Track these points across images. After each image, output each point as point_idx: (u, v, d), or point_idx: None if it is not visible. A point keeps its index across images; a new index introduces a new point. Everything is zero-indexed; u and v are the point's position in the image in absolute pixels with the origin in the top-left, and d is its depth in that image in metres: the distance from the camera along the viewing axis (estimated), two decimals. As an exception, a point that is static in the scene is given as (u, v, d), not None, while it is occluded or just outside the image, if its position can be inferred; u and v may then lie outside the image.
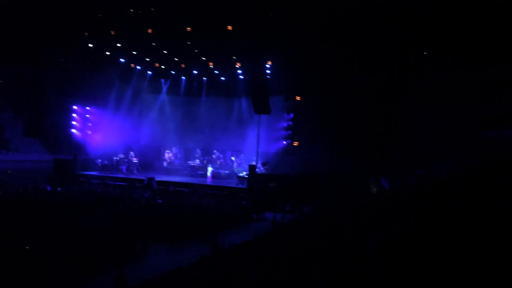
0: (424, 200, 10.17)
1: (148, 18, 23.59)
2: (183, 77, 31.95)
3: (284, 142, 28.07)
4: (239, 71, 28.80)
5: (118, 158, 29.36)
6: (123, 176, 27.32)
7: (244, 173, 26.45)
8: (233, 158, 30.54)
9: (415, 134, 23.57)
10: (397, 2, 19.81)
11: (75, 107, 30.27)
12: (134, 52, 27.71)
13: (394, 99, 25.22)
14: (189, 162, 30.67)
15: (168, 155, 31.25)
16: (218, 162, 30.07)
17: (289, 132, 27.96)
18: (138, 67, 30.30)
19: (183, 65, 29.41)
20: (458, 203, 8.50)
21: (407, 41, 22.38)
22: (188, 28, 23.65)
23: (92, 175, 26.96)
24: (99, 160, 28.91)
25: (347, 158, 24.31)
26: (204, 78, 31.44)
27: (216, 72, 29.72)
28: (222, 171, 28.84)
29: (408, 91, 24.89)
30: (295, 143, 27.03)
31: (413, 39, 22.32)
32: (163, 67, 30.14)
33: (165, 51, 26.98)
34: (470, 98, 22.71)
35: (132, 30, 24.44)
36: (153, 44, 25.96)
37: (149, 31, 24.11)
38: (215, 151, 30.69)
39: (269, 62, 25.33)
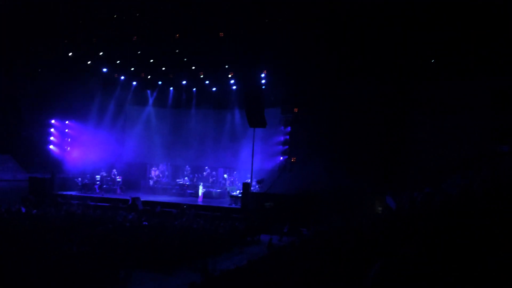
0: (434, 220, 10.14)
1: (133, 24, 23.68)
2: (171, 88, 32.03)
3: (281, 158, 28.03)
4: (232, 81, 28.90)
5: (100, 177, 29.28)
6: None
7: (238, 192, 26.39)
8: (225, 176, 30.49)
9: (423, 148, 23.56)
10: (404, 3, 19.93)
11: (52, 121, 30.27)
12: (117, 61, 27.76)
13: (400, 110, 25.27)
14: (177, 180, 30.57)
15: (154, 172, 31.13)
16: (210, 180, 30.00)
17: (286, 147, 27.95)
18: (122, 77, 30.34)
19: (171, 75, 29.49)
20: (472, 225, 8.48)
21: (414, 46, 22.47)
22: (177, 34, 23.76)
23: (71, 195, 26.81)
24: (79, 178, 28.78)
25: (349, 175, 24.25)
26: (193, 88, 31.52)
27: (206, 82, 29.82)
28: (213, 190, 28.73)
29: (415, 101, 24.94)
30: (293, 159, 27.03)
31: (421, 44, 22.41)
32: (149, 77, 30.20)
33: (151, 60, 27.04)
34: (483, 109, 22.77)
35: (115, 37, 24.52)
36: (139, 52, 26.03)
37: (134, 38, 24.20)
38: (206, 168, 30.64)
39: (264, 71, 25.43)
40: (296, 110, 27.65)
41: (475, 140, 21.77)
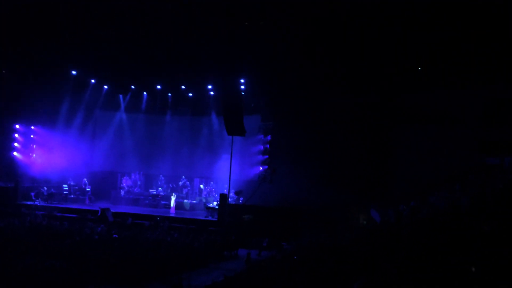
0: (419, 235, 10.30)
1: (104, 24, 23.50)
2: (145, 93, 31.87)
3: (261, 168, 28.08)
4: (210, 87, 28.89)
5: (67, 186, 29.01)
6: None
7: (215, 203, 26.35)
8: (201, 186, 30.39)
9: (409, 161, 23.87)
10: (389, 10, 20.11)
11: (16, 126, 29.83)
12: (88, 64, 27.51)
13: (386, 121, 25.54)
14: (150, 190, 30.34)
15: (126, 182, 30.84)
16: (185, 190, 29.88)
17: (266, 156, 28.01)
18: (92, 81, 30.11)
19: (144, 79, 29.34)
20: (458, 239, 8.62)
21: (400, 55, 22.70)
22: (152, 37, 23.68)
23: (36, 205, 26.43)
24: (45, 188, 28.39)
25: (332, 187, 24.42)
26: (169, 93, 31.42)
27: (183, 87, 29.74)
28: (188, 201, 28.63)
29: (401, 112, 25.24)
30: (273, 170, 27.06)
31: (407, 53, 22.64)
32: (122, 80, 29.99)
33: (124, 63, 26.86)
34: (471, 121, 23.13)
35: (85, 37, 24.30)
36: (111, 54, 25.85)
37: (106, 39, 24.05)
38: (183, 177, 30.49)
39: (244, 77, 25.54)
40: (277, 118, 27.74)
41: (463, 152, 22.11)
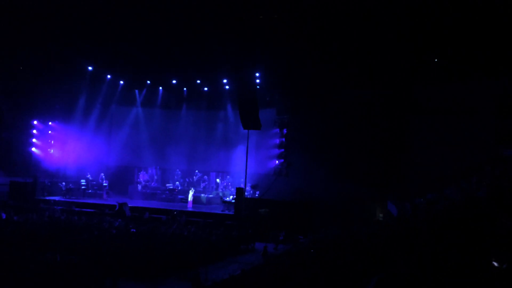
0: (437, 228, 10.20)
1: (120, 20, 23.53)
2: (161, 87, 31.95)
3: (277, 162, 28.04)
4: (225, 81, 28.88)
5: (85, 180, 29.22)
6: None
7: (231, 197, 26.38)
8: (218, 180, 30.46)
9: (425, 153, 23.63)
10: (402, 2, 19.93)
11: (34, 122, 30.11)
12: (104, 59, 27.61)
13: (401, 113, 25.31)
14: (167, 185, 30.52)
15: (143, 177, 31.03)
16: (201, 184, 29.96)
17: (282, 150, 27.96)
18: (108, 76, 30.26)
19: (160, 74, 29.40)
20: (476, 232, 8.53)
21: (415, 46, 22.50)
22: (167, 32, 23.67)
23: (54, 200, 26.64)
24: (63, 183, 28.65)
25: (348, 180, 24.28)
26: (184, 88, 31.47)
27: (198, 81, 29.76)
28: (205, 195, 28.70)
29: (417, 104, 24.98)
30: (289, 163, 27.01)
31: (422, 44, 22.44)
32: (137, 76, 30.09)
33: (140, 58, 26.91)
34: (487, 112, 22.83)
35: (101, 33, 24.36)
36: (127, 50, 25.91)
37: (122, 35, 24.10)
38: (197, 171, 30.59)
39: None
40: (292, 111, 27.65)
41: (479, 144, 21.83)
